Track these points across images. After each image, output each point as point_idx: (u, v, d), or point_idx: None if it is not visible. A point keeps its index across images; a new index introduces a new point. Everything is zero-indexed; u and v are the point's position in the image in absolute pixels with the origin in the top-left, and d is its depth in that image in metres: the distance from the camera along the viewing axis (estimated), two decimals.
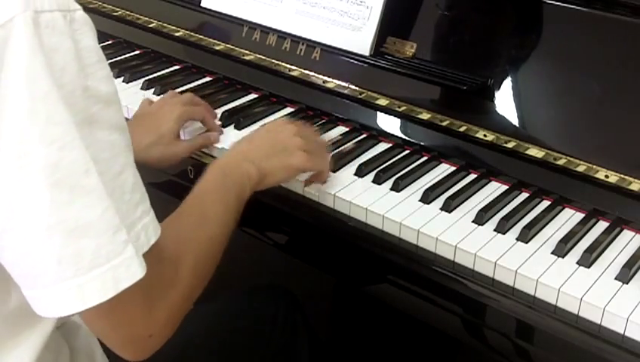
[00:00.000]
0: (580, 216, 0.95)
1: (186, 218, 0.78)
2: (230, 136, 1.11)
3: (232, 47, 1.31)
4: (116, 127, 0.62)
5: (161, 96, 1.20)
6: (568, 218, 0.95)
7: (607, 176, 0.94)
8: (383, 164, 1.05)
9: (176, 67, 1.37)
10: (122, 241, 0.61)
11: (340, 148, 1.09)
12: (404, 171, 1.03)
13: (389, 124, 1.13)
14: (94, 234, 0.59)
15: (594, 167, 0.96)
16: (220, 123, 1.14)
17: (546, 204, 0.98)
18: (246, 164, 0.89)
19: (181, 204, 0.79)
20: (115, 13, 1.49)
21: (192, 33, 1.37)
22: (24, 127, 0.57)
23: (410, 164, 1.05)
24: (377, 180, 1.01)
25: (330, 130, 1.15)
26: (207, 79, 1.32)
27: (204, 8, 1.34)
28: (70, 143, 0.58)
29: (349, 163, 1.06)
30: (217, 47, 1.32)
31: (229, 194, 0.83)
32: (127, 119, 0.69)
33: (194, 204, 0.80)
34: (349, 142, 1.11)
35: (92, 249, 0.59)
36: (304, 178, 1.00)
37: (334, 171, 1.04)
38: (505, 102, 1.04)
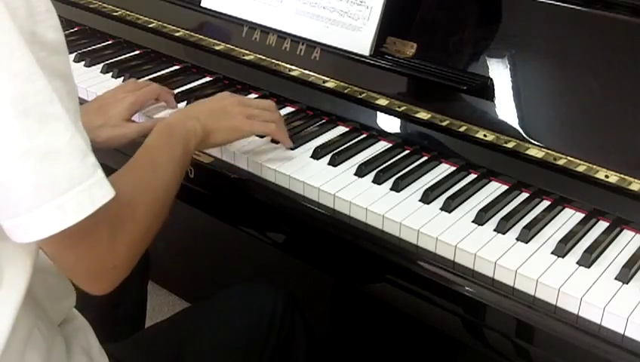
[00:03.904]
0: (580, 216, 0.95)
1: (139, 167, 0.86)
2: None
3: (232, 47, 1.31)
4: (58, 75, 0.65)
5: None
6: (568, 218, 0.95)
7: (607, 176, 0.94)
8: (382, 164, 1.05)
9: (176, 67, 1.37)
10: (92, 164, 0.66)
11: (341, 148, 1.09)
12: (404, 171, 1.03)
13: (389, 123, 1.13)
14: (66, 159, 0.64)
15: (594, 167, 0.96)
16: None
17: (546, 203, 0.98)
18: (191, 122, 0.96)
19: (133, 156, 0.87)
20: (115, 13, 1.49)
21: (192, 33, 1.37)
22: None
23: (410, 164, 1.05)
24: (377, 180, 1.01)
25: (330, 130, 1.15)
26: (207, 79, 1.32)
27: (204, 8, 1.34)
28: (34, 75, 0.62)
29: (348, 162, 1.06)
30: (217, 47, 1.32)
31: (176, 147, 0.91)
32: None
33: (145, 155, 0.88)
34: (348, 141, 1.11)
35: (66, 172, 0.64)
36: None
37: (334, 166, 1.04)
38: (505, 102, 1.04)
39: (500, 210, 0.96)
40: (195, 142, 0.95)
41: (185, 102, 1.22)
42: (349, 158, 1.07)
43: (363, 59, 1.15)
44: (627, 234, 0.92)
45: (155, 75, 1.33)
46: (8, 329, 0.72)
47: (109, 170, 0.70)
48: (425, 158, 1.07)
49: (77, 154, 0.64)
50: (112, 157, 1.06)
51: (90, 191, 0.65)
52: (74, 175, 0.64)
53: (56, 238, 0.65)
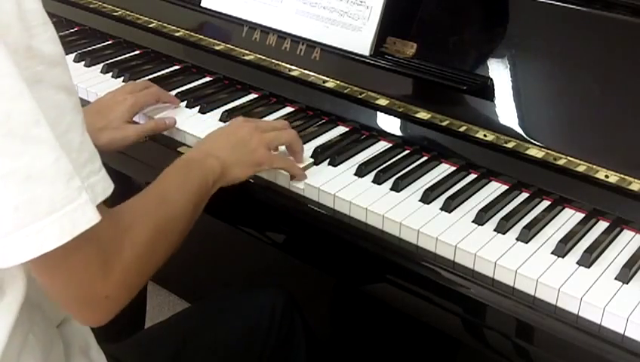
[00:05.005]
0: (580, 216, 0.95)
1: (146, 197, 0.82)
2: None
3: (232, 47, 1.31)
4: (61, 87, 0.64)
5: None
6: (568, 218, 0.95)
7: (607, 176, 0.94)
8: (382, 164, 1.05)
9: (176, 67, 1.37)
10: (77, 188, 0.63)
11: (341, 148, 1.09)
12: (404, 171, 1.03)
13: (389, 123, 1.13)
14: (49, 181, 0.61)
15: (594, 167, 0.96)
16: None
17: (546, 203, 0.98)
18: (210, 159, 0.93)
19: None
20: (115, 13, 1.49)
21: (192, 33, 1.37)
22: None
23: (410, 164, 1.05)
24: (377, 180, 1.01)
25: (330, 130, 1.15)
26: (207, 79, 1.32)
27: (204, 8, 1.34)
28: (20, 95, 0.60)
29: (348, 162, 1.06)
30: (217, 47, 1.32)
31: (191, 184, 0.88)
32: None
33: (157, 185, 0.85)
34: (348, 141, 1.11)
35: (47, 195, 0.61)
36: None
37: (334, 166, 1.04)
38: (505, 102, 1.04)
39: (500, 210, 0.96)
40: (213, 180, 0.92)
41: (185, 102, 1.22)
42: (349, 158, 1.07)
43: (363, 59, 1.15)
44: (627, 234, 0.92)
45: (155, 75, 1.33)
46: (4, 342, 0.71)
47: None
48: (425, 158, 1.07)
49: (61, 177, 0.62)
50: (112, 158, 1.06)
51: (72, 216, 0.63)
52: (55, 199, 0.62)
53: (40, 263, 0.63)
